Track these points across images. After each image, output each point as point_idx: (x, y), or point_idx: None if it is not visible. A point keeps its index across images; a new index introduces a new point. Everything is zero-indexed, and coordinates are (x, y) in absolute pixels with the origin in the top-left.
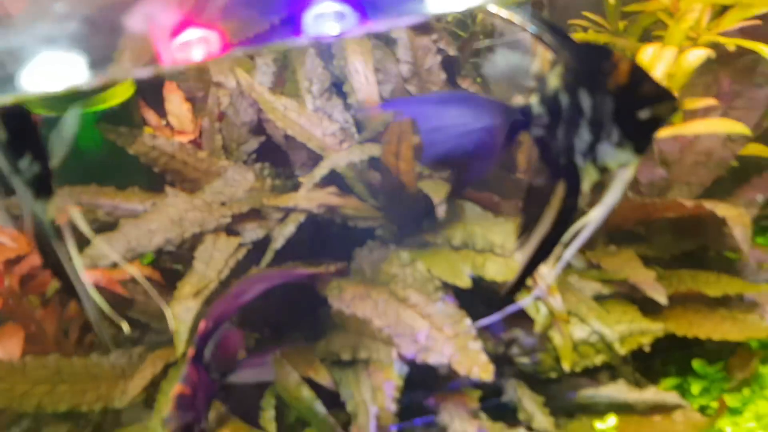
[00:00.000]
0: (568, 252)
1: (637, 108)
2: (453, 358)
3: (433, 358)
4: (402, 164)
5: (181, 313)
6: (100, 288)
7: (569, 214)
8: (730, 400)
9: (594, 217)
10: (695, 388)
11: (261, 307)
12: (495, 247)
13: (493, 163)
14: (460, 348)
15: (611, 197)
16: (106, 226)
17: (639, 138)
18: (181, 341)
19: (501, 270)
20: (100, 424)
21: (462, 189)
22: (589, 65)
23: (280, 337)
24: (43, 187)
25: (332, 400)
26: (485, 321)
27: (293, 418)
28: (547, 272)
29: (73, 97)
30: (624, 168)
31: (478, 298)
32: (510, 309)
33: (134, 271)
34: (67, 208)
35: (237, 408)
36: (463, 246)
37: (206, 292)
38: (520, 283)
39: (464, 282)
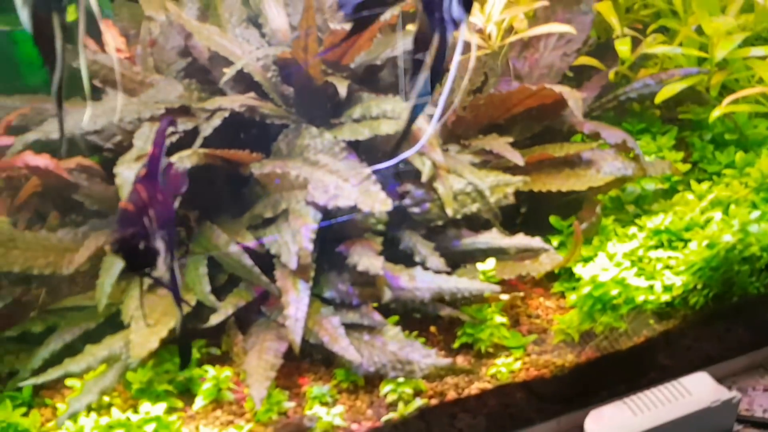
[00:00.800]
0: (441, 100)
1: None
2: (358, 200)
3: (342, 202)
4: (309, 57)
5: (124, 172)
6: (48, 172)
7: (442, 60)
8: (584, 250)
9: (452, 67)
10: (554, 241)
11: (192, 195)
12: (387, 112)
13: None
14: (363, 192)
15: (459, 50)
16: None
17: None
18: (124, 194)
19: (393, 127)
20: (49, 292)
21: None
22: None
23: (212, 218)
24: None
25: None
26: (379, 166)
27: (222, 280)
28: (427, 125)
29: None
30: (462, 24)
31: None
32: (401, 157)
33: None
34: None
35: None
36: (361, 118)
37: (142, 161)
38: (408, 130)
39: (363, 135)
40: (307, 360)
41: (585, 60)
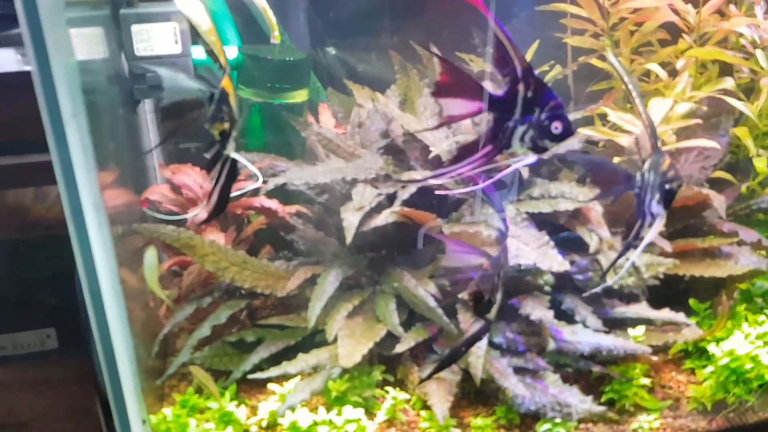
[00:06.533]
0: None
1: None
2: (537, 260)
3: (523, 261)
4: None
5: (349, 218)
6: (275, 213)
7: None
8: (717, 332)
9: None
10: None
11: (388, 243)
12: (565, 193)
13: None
14: (542, 254)
15: None
16: None
17: None
18: (350, 235)
19: (570, 205)
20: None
21: None
22: None
23: (400, 264)
24: None
25: None
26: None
27: (402, 318)
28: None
29: None
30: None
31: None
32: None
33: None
34: None
35: None
36: (540, 197)
37: (362, 211)
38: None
39: (545, 209)
40: (465, 398)
41: (720, 174)
